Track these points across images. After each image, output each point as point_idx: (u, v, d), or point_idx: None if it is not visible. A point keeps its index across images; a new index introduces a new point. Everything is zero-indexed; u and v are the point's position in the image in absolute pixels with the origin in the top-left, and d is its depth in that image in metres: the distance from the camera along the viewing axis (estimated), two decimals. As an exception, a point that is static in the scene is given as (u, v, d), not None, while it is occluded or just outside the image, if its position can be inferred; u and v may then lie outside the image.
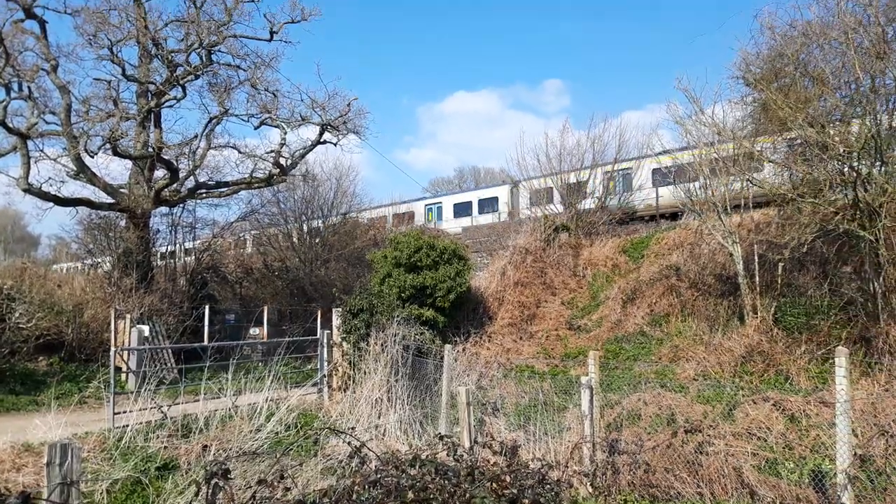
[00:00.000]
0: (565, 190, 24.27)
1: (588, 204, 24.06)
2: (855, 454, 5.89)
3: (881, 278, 11.21)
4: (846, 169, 11.80)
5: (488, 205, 33.33)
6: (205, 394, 10.84)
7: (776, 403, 8.58)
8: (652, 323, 15.72)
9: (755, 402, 8.72)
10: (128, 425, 9.80)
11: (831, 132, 12.04)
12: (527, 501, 5.66)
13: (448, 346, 11.68)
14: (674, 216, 22.22)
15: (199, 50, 21.05)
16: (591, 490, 7.12)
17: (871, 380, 9.79)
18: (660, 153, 23.19)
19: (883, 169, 11.42)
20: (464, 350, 15.68)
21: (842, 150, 11.60)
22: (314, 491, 6.90)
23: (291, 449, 9.47)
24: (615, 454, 7.84)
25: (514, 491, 5.57)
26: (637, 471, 7.24)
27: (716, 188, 15.27)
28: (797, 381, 10.68)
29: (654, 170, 24.94)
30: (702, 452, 7.19)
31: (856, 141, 11.49)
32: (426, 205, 36.95)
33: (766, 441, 7.71)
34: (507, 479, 5.75)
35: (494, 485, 5.60)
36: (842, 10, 12.08)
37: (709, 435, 7.97)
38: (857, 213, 11.52)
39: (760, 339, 12.08)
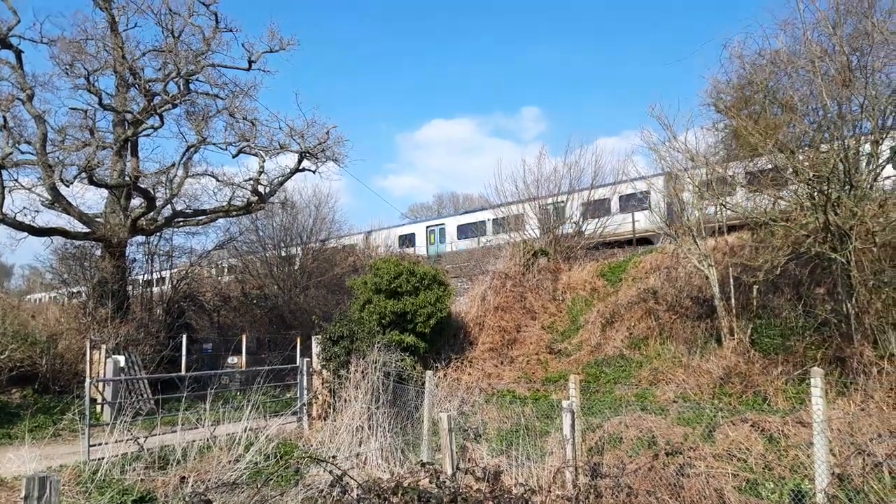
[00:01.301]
0: (543, 215, 24.49)
1: (566, 229, 24.28)
2: (833, 473, 5.98)
3: (853, 299, 11.43)
4: (816, 193, 12.07)
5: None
6: (182, 424, 10.66)
7: (755, 424, 8.67)
8: (631, 346, 15.83)
9: (734, 424, 8.81)
10: (103, 458, 9.61)
11: (801, 157, 12.37)
12: (510, 527, 5.64)
13: (429, 373, 11.64)
14: (649, 241, 22.54)
15: (176, 79, 21.08)
16: (574, 514, 7.10)
17: (847, 399, 9.94)
18: (634, 179, 23.65)
19: (852, 192, 11.71)
20: (445, 376, 15.63)
21: (811, 175, 11.90)
22: (295, 521, 6.81)
23: (272, 479, 9.32)
24: (597, 478, 7.83)
25: (497, 516, 5.56)
26: (620, 494, 7.23)
27: (690, 213, 15.58)
28: (775, 401, 10.80)
29: (624, 196, 25.30)
30: (683, 474, 7.22)
31: (824, 165, 11.80)
32: (428, 227, 35.63)
33: (746, 462, 7.78)
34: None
35: (477, 510, 5.58)
36: (808, 40, 12.48)
37: (689, 457, 8.01)
38: (829, 235, 11.78)
39: (738, 360, 12.23)
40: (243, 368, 19.17)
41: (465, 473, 7.08)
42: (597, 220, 24.94)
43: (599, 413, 11.04)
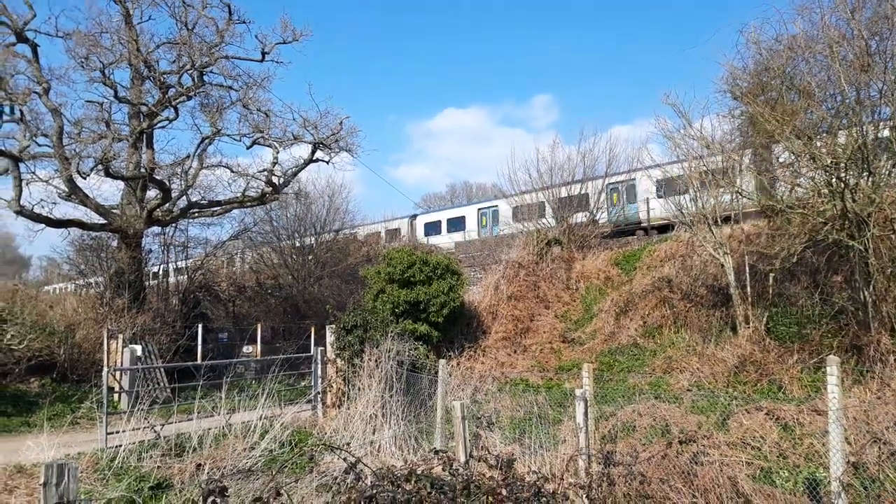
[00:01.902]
0: (557, 204, 24.40)
1: (580, 217, 24.19)
2: (848, 462, 5.93)
3: (871, 287, 11.29)
4: (834, 180, 11.91)
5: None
6: (198, 412, 10.78)
7: (769, 412, 8.62)
8: (645, 335, 15.77)
9: (749, 412, 8.76)
10: (121, 445, 9.73)
11: (818, 144, 12.19)
12: (523, 514, 5.66)
13: (442, 361, 11.67)
14: (665, 229, 22.36)
15: (191, 71, 21.16)
16: (586, 502, 7.11)
17: (863, 388, 9.84)
18: (650, 167, 23.45)
19: (870, 179, 11.54)
20: (458, 364, 15.67)
21: (829, 162, 11.73)
22: (310, 507, 6.88)
23: (286, 466, 9.41)
24: (611, 466, 7.81)
25: (510, 504, 5.57)
26: (633, 482, 7.22)
27: (705, 201, 15.43)
28: (790, 390, 10.72)
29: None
30: (696, 462, 7.20)
31: (843, 152, 11.62)
32: (480, 209, 34.45)
33: (760, 450, 7.74)
34: (503, 492, 5.75)
35: (490, 498, 5.59)
36: (826, 25, 12.25)
37: (703, 445, 7.99)
38: (846, 223, 11.62)
39: (753, 348, 12.15)
40: (258, 357, 19.34)
41: (478, 461, 7.10)
42: (612, 208, 24.84)
43: (613, 401, 11.03)
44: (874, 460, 6.44)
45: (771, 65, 13.60)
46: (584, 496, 7.24)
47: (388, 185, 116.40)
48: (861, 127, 11.64)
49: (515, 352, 17.58)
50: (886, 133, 11.76)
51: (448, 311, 17.21)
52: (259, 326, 20.51)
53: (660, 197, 23.86)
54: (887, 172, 11.62)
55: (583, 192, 24.76)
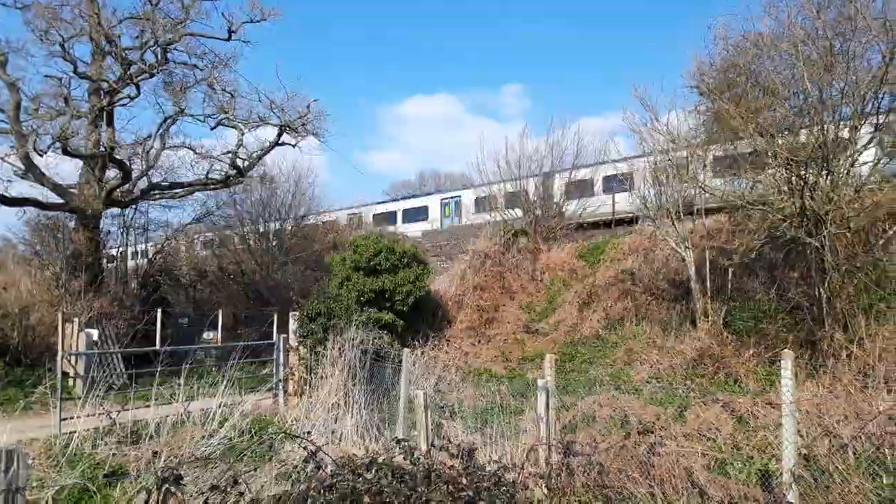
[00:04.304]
0: (524, 195, 24.48)
1: (547, 209, 24.31)
2: (800, 454, 6.08)
3: (826, 284, 11.60)
4: (794, 178, 12.16)
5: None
6: (156, 399, 10.56)
7: (725, 405, 8.81)
8: (607, 326, 15.98)
9: (705, 404, 8.95)
10: (75, 431, 9.49)
11: (780, 142, 12.42)
12: (482, 503, 5.67)
13: (406, 350, 11.63)
14: (630, 222, 22.62)
15: (154, 48, 20.58)
16: (545, 491, 7.18)
17: (816, 382, 10.12)
18: (616, 160, 23.66)
19: (829, 178, 11.80)
20: (422, 354, 15.65)
21: (790, 159, 11.98)
22: (269, 496, 6.80)
23: (245, 455, 9.29)
24: (570, 456, 7.91)
25: (471, 493, 5.57)
26: (591, 472, 7.32)
27: (669, 195, 15.66)
28: (746, 383, 10.98)
29: (606, 177, 25.26)
30: (654, 453, 7.32)
31: (803, 150, 11.88)
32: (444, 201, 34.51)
33: (715, 441, 7.91)
34: (464, 481, 5.75)
35: (451, 487, 5.59)
36: (792, 23, 12.43)
37: (660, 436, 8.12)
38: (804, 220, 11.90)
39: (711, 342, 12.41)
40: (219, 344, 19.05)
41: (440, 450, 7.09)
42: (578, 200, 25.00)
43: (574, 392, 11.14)
44: (825, 453, 6.63)
45: (737, 61, 13.78)
46: (544, 485, 7.31)
47: (356, 170, 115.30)
48: (822, 126, 11.87)
49: (480, 342, 17.66)
50: (846, 133, 12.02)
51: (414, 300, 17.18)
52: (220, 312, 20.18)
53: (605, 192, 24.21)
54: (846, 172, 11.89)
55: (548, 183, 24.88)
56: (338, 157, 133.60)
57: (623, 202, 23.61)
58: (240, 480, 6.11)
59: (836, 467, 6.28)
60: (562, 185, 25.07)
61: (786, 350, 6.31)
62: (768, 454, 7.38)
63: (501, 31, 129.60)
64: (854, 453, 6.93)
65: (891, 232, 12.49)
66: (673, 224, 15.14)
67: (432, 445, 7.94)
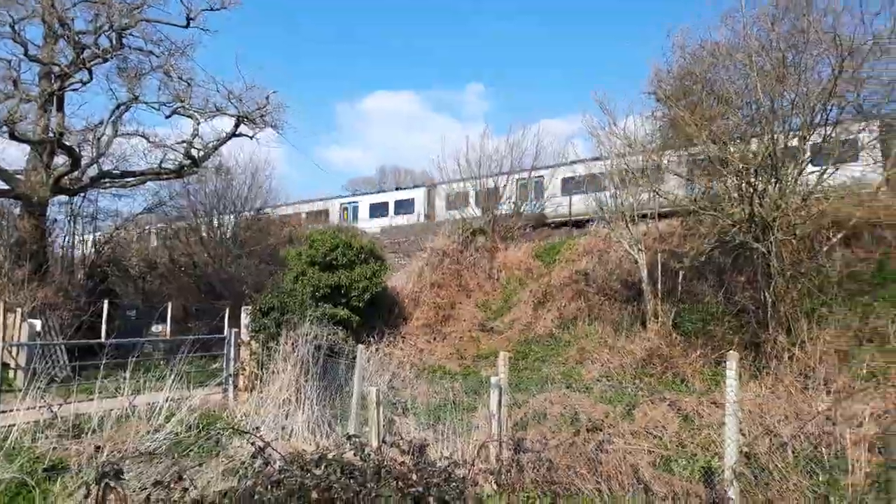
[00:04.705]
0: (484, 194, 24.62)
1: (505, 209, 24.52)
2: (741, 452, 6.25)
3: (771, 288, 11.96)
4: (744, 185, 12.50)
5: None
6: (100, 393, 10.24)
7: (672, 404, 9.02)
8: (561, 326, 16.19)
9: (653, 403, 9.14)
10: (14, 424, 9.14)
11: (732, 149, 12.75)
12: (432, 499, 5.66)
13: (361, 346, 11.56)
14: (585, 223, 22.96)
15: (109, 32, 19.92)
16: (495, 487, 7.21)
17: (759, 382, 10.44)
18: (573, 162, 23.99)
19: (777, 186, 12.17)
20: (377, 350, 15.58)
21: (741, 167, 12.31)
22: (214, 492, 6.66)
23: (192, 450, 9.09)
24: (521, 452, 7.97)
25: (420, 489, 5.56)
26: (541, 468, 7.39)
27: (624, 198, 15.94)
28: (692, 382, 11.26)
29: (564, 179, 25.59)
30: (602, 450, 7.43)
31: (754, 158, 12.23)
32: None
33: (661, 439, 8.08)
34: (414, 477, 5.73)
35: (401, 483, 5.56)
36: (747, 34, 12.74)
37: (609, 433, 8.25)
38: (753, 226, 12.25)
39: (660, 342, 12.69)
40: (168, 337, 18.60)
41: (391, 446, 7.06)
42: (535, 201, 25.26)
43: (526, 390, 11.25)
44: (765, 451, 6.84)
45: (694, 70, 14.06)
46: (493, 481, 7.35)
47: (314, 165, 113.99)
48: (773, 136, 12.23)
49: (435, 339, 17.68)
50: (795, 143, 12.41)
51: (370, 296, 17.08)
52: (170, 305, 19.71)
53: (564, 195, 24.57)
54: (793, 180, 12.28)
55: (508, 184, 25.07)
56: (297, 151, 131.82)
57: (580, 204, 23.98)
58: (184, 476, 5.97)
59: (776, 465, 6.49)
60: (521, 186, 25.30)
61: (731, 351, 6.48)
62: (711, 452, 7.57)
63: (471, 29, 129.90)
64: (793, 452, 7.17)
65: (834, 240, 12.96)
66: (627, 227, 15.43)
67: (383, 441, 7.91)
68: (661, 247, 15.26)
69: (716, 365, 11.65)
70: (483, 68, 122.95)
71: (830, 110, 12.20)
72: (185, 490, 5.77)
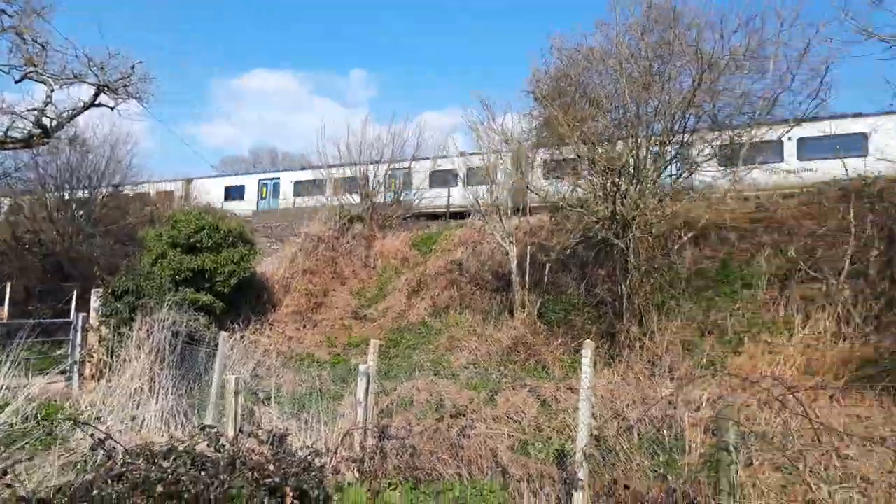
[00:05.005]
0: (364, 182, 24.36)
1: (384, 197, 24.42)
2: (591, 435, 6.58)
3: (628, 282, 12.76)
4: (609, 184, 13.18)
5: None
6: (-84, 381, 9.07)
7: (532, 390, 9.38)
8: (433, 314, 16.38)
9: (514, 389, 9.46)
10: None
11: (600, 150, 13.40)
12: (289, 489, 5.49)
13: (224, 334, 11.03)
14: (465, 215, 23.31)
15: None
16: (357, 475, 7.14)
17: (612, 370, 11.10)
18: (454, 155, 24.26)
19: (638, 187, 12.95)
20: (242, 338, 15.00)
21: (607, 167, 12.98)
22: (49, 488, 6.08)
23: (28, 442, 8.28)
24: (385, 439, 7.96)
25: (277, 479, 5.37)
26: (404, 455, 7.42)
27: (499, 192, 16.37)
28: (553, 369, 11.78)
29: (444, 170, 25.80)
30: (464, 436, 7.58)
31: (619, 160, 12.93)
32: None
33: (520, 424, 8.37)
34: (271, 467, 5.54)
35: (256, 474, 5.35)
36: (619, 41, 13.40)
37: (472, 419, 8.44)
38: (615, 223, 12.97)
39: (525, 331, 13.19)
40: (5, 320, 16.84)
41: (249, 437, 6.79)
42: (415, 191, 25.33)
43: (395, 377, 11.26)
44: (613, 434, 7.25)
45: (569, 72, 14.60)
46: (356, 469, 7.28)
47: (182, 142, 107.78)
48: (636, 139, 12.99)
49: (305, 326, 17.30)
50: (656, 148, 13.23)
51: (236, 281, 16.38)
52: (9, 286, 17.84)
53: (443, 187, 24.91)
54: (652, 182, 13.12)
55: (388, 172, 24.98)
56: (161, 125, 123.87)
57: (458, 196, 24.33)
58: (9, 471, 5.40)
59: (622, 447, 6.89)
60: (401, 175, 25.29)
61: (587, 340, 6.80)
62: (566, 435, 7.94)
63: (355, 15, 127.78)
64: (638, 434, 7.66)
65: (685, 239, 14.02)
66: (500, 220, 15.85)
67: (240, 431, 7.60)
68: (531, 240, 15.83)
69: (575, 353, 12.24)
70: (366, 56, 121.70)
71: (689, 119, 13.13)
72: (10, 486, 5.23)
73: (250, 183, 32.81)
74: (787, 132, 13.54)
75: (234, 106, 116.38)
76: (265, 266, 19.88)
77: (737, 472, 4.70)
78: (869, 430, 7.81)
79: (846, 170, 14.80)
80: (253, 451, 6.21)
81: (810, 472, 5.76)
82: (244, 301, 17.78)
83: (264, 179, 32.79)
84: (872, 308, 11.69)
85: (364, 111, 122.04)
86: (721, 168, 13.94)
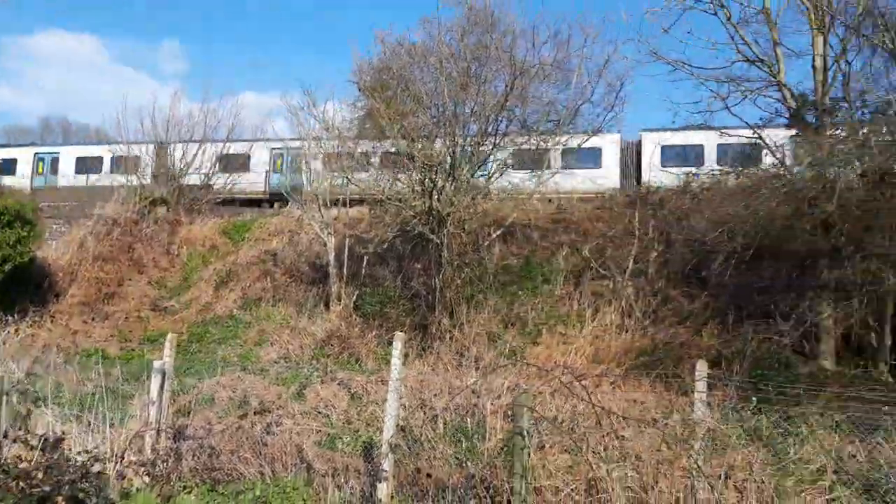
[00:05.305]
0: (171, 161, 22.48)
1: (194, 180, 22.73)
2: (398, 425, 6.66)
3: (441, 275, 13.15)
4: (427, 180, 13.47)
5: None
6: None
7: (343, 382, 9.30)
8: (244, 306, 15.72)
9: (325, 382, 9.32)
10: None
11: (419, 146, 13.63)
12: (61, 498, 4.96)
13: (-9, 326, 9.63)
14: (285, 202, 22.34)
15: None
16: (147, 480, 6.59)
17: (423, 361, 11.37)
18: (272, 139, 23.26)
19: (453, 184, 13.38)
20: (17, 331, 13.21)
21: (425, 164, 13.26)
22: None
23: None
24: (181, 440, 7.43)
25: (48, 488, 4.83)
26: (202, 456, 6.97)
27: (320, 182, 16.06)
28: (366, 362, 11.82)
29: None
30: (269, 433, 7.30)
31: (437, 157, 13.26)
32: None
33: (329, 418, 8.25)
34: (40, 475, 4.95)
35: (22, 483, 4.77)
36: (441, 41, 13.70)
37: (279, 415, 8.17)
38: (431, 219, 13.31)
39: (341, 324, 13.14)
40: None
41: (14, 442, 5.99)
42: (229, 175, 23.88)
43: (197, 374, 10.57)
44: (419, 423, 7.40)
45: (392, 65, 14.67)
46: (145, 473, 6.71)
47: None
48: (454, 138, 13.40)
49: (94, 319, 15.69)
50: (472, 148, 13.75)
51: (12, 267, 14.39)
52: None
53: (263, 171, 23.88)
54: (466, 181, 13.62)
55: (199, 153, 23.27)
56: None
57: (278, 181, 23.28)
58: None
59: (427, 436, 7.04)
60: (213, 158, 23.70)
61: (398, 332, 6.86)
62: (375, 427, 7.96)
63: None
64: (444, 423, 7.89)
65: (494, 236, 14.76)
66: (319, 210, 15.58)
67: (5, 436, 6.69)
68: (350, 232, 15.75)
69: (388, 345, 12.29)
70: (181, 26, 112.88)
71: (501, 122, 13.82)
72: None
73: (24, 156, 28.66)
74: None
75: (22, 67, 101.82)
76: (48, 251, 17.66)
77: (529, 455, 4.99)
78: (643, 413, 8.75)
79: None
80: (20, 458, 5.52)
81: (592, 452, 6.29)
82: (20, 290, 15.63)
83: (41, 154, 28.94)
84: (651, 304, 13.19)
85: (175, 85, 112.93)
86: (528, 171, 14.89)
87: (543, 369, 8.48)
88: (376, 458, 6.84)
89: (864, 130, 11.43)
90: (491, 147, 13.98)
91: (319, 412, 8.36)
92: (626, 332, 12.52)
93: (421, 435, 7.16)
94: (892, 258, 10.34)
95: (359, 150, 16.40)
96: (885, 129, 11.06)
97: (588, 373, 9.56)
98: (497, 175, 14.47)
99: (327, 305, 14.48)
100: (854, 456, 6.73)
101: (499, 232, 14.78)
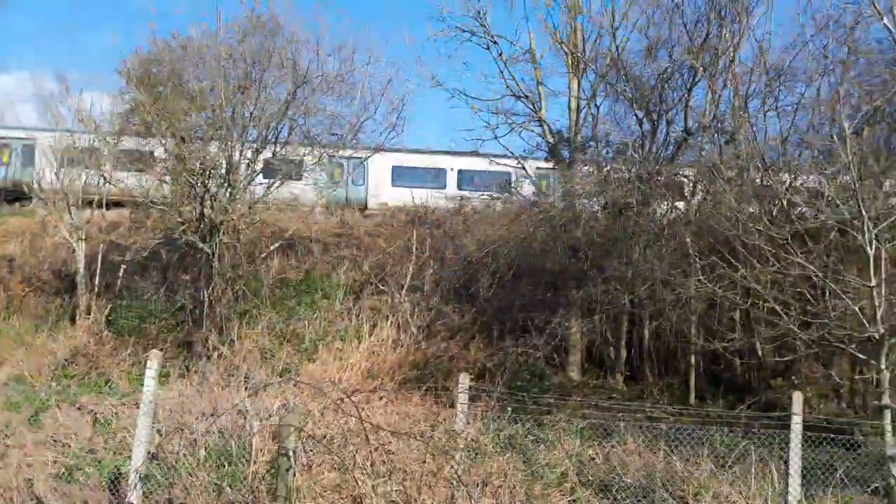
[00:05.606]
0: None
1: None
2: (149, 452, 6.14)
3: (211, 288, 12.44)
4: (198, 185, 12.71)
5: None
6: None
7: (87, 407, 8.36)
8: (-36, 321, 13.34)
9: (65, 407, 8.30)
10: None
11: (192, 148, 12.83)
12: None
13: None
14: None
15: None
16: None
17: (187, 381, 10.58)
18: (21, 128, 20.25)
19: (228, 191, 12.81)
20: None
21: (197, 167, 12.52)
22: None
23: None
24: None
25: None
26: None
27: (70, 179, 14.34)
28: (118, 383, 10.70)
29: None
30: (-8, 468, 6.33)
31: (211, 161, 12.61)
32: None
33: (70, 447, 7.36)
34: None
35: None
36: (219, 41, 13.07)
37: (7, 445, 7.13)
38: (202, 226, 12.59)
39: (89, 340, 11.88)
40: None
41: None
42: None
43: None
44: (176, 449, 6.87)
45: (163, 58, 13.72)
46: None
47: None
48: (231, 142, 12.84)
49: None
50: (249, 154, 13.27)
51: None
52: None
53: None
54: (242, 188, 13.11)
55: None
56: None
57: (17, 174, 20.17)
58: None
59: (184, 463, 6.56)
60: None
61: (154, 350, 6.38)
62: (124, 455, 7.25)
63: None
64: (205, 447, 7.42)
65: (272, 248, 14.37)
66: (69, 211, 13.95)
67: None
68: (106, 237, 14.28)
69: (145, 364, 11.34)
70: None
71: (282, 130, 13.59)
72: None
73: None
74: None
75: None
76: None
77: (294, 475, 4.92)
78: (413, 426, 9.08)
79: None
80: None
81: (359, 469, 6.39)
82: None
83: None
84: (425, 318, 13.77)
85: None
86: (310, 183, 14.77)
87: (316, 387, 8.40)
88: (123, 490, 6.25)
89: (607, 168, 13.36)
90: (272, 155, 13.64)
91: (58, 441, 7.43)
92: (402, 346, 12.89)
93: (177, 462, 6.68)
94: (626, 281, 12.00)
95: (119, 148, 14.99)
96: (623, 167, 12.92)
97: (361, 388, 9.69)
98: (278, 184, 14.11)
99: (73, 319, 12.90)
100: (594, 459, 7.67)
101: (278, 244, 14.42)
